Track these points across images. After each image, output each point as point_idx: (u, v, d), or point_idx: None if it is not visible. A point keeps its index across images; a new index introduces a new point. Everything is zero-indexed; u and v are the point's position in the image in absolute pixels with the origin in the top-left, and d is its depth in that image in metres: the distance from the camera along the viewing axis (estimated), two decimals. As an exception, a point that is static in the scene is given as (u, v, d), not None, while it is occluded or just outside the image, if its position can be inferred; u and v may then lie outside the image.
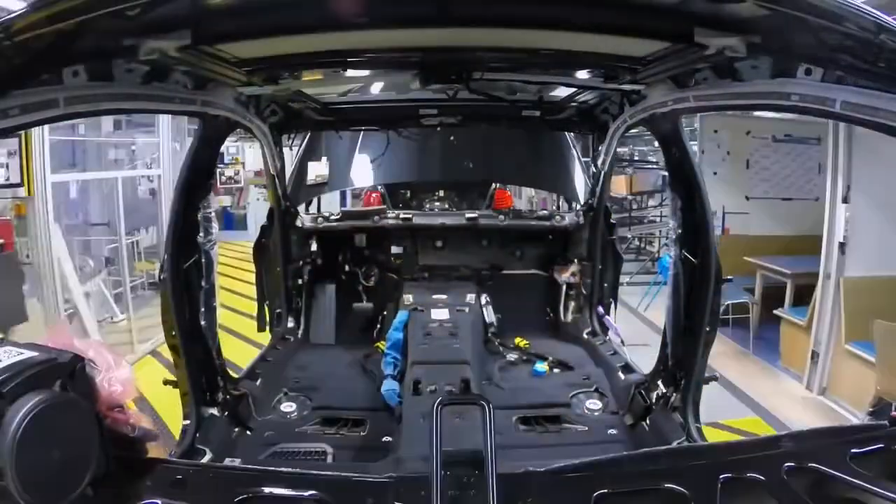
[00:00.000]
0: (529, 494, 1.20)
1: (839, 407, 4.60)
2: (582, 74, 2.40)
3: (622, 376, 2.81)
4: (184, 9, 1.34)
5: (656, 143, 3.17)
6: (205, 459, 2.01)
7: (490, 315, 3.39)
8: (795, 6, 1.10)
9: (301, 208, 3.75)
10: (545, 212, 4.03)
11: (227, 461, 2.01)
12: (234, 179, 12.73)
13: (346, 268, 3.72)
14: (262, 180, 10.44)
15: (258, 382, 2.76)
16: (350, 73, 2.36)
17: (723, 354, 5.51)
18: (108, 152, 7.99)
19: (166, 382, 2.29)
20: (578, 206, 3.78)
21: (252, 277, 3.57)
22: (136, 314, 5.80)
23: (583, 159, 4.11)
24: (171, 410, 2.52)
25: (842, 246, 4.60)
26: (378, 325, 3.62)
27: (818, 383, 4.84)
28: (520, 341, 3.42)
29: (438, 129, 3.44)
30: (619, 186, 8.95)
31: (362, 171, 4.17)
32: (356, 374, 3.10)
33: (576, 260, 3.58)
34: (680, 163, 2.20)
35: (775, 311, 5.59)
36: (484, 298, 3.48)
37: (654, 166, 9.38)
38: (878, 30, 1.04)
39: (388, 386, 2.73)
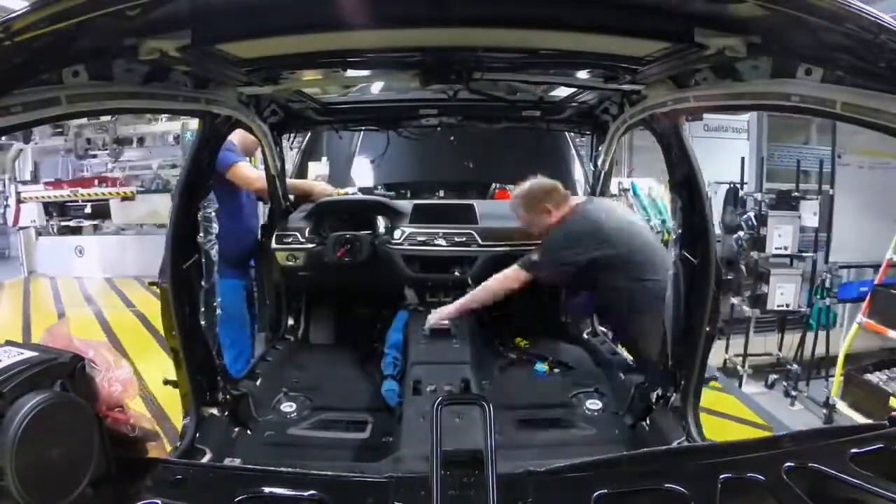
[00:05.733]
0: (529, 494, 1.19)
1: None
2: (582, 74, 2.40)
3: (622, 376, 2.80)
4: (184, 9, 1.34)
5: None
6: (205, 459, 2.01)
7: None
8: (795, 6, 1.10)
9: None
10: None
11: (227, 461, 2.01)
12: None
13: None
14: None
15: (258, 382, 2.75)
16: (350, 73, 2.36)
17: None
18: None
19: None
20: None
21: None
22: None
23: (582, 158, 4.10)
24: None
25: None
26: (377, 325, 3.62)
27: None
28: (520, 341, 3.41)
29: (438, 129, 3.44)
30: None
31: (362, 171, 4.17)
32: (356, 374, 3.09)
33: None
34: (680, 163, 2.20)
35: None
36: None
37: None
38: (878, 30, 1.04)
39: (388, 386, 2.73)
